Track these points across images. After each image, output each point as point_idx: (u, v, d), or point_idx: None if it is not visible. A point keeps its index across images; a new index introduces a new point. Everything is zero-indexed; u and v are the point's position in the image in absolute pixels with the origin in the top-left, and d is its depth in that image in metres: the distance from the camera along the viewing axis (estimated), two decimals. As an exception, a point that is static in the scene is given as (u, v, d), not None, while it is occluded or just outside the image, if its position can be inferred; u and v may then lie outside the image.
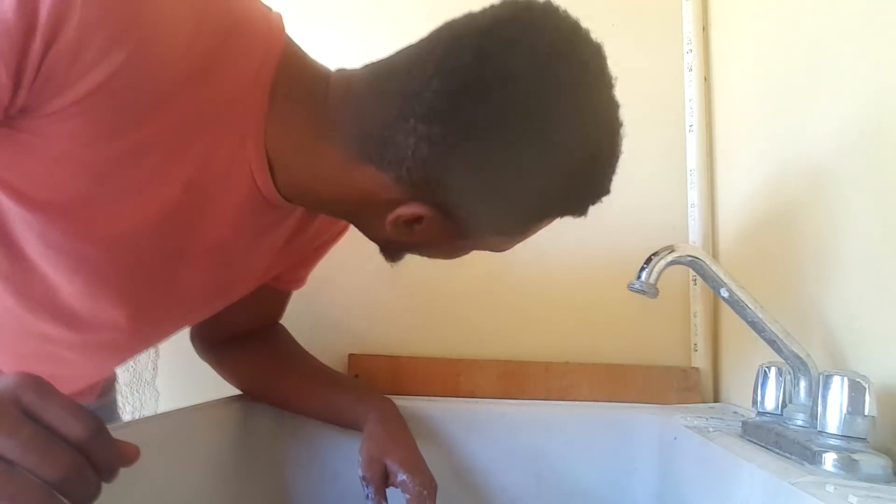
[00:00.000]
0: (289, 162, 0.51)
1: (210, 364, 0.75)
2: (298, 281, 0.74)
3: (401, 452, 0.65)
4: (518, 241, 0.57)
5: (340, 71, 0.52)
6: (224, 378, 0.75)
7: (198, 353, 0.76)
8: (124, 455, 0.35)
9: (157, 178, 0.46)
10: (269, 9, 0.51)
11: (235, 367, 0.75)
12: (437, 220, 0.51)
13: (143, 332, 0.59)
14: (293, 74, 0.50)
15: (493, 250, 0.57)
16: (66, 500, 0.32)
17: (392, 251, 0.58)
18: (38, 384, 0.32)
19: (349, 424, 0.71)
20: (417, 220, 0.51)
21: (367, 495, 0.63)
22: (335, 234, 0.71)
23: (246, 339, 0.74)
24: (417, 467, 0.64)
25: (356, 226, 0.57)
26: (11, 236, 0.47)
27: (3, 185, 0.43)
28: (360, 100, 0.49)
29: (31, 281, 0.50)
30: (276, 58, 0.48)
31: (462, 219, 0.51)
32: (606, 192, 0.53)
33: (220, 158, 0.48)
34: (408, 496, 0.61)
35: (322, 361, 0.77)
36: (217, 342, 0.74)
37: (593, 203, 0.53)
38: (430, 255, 0.59)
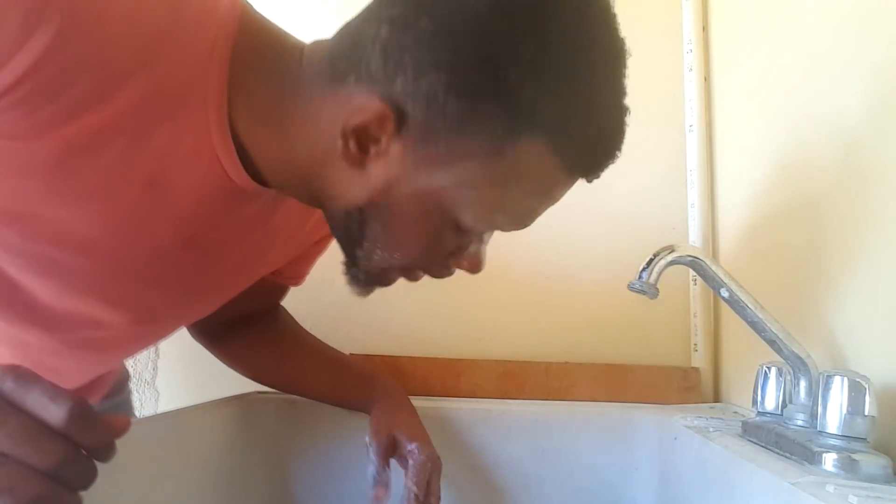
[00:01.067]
0: (259, 139, 0.46)
1: (208, 349, 0.74)
2: (297, 277, 0.72)
3: (411, 426, 0.65)
4: (497, 196, 0.46)
5: (316, 42, 0.48)
6: (225, 363, 0.75)
7: (193, 337, 0.74)
8: (115, 428, 0.34)
9: (113, 177, 0.42)
10: None
11: (237, 353, 0.74)
12: (392, 127, 0.43)
13: (131, 331, 0.57)
14: (255, 46, 0.45)
15: (472, 220, 0.47)
16: (63, 486, 0.32)
17: (358, 262, 0.51)
18: (17, 372, 0.32)
19: (356, 405, 0.71)
20: (372, 129, 0.44)
21: (371, 466, 0.62)
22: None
23: (246, 323, 0.73)
24: (426, 440, 0.64)
25: (325, 210, 0.51)
26: None
27: None
28: (334, 45, 0.46)
29: (2, 287, 0.47)
30: (233, 30, 0.44)
31: (423, 126, 0.43)
32: (608, 140, 0.46)
33: (183, 149, 0.44)
34: (412, 463, 0.60)
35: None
36: (214, 327, 0.73)
37: (587, 148, 0.46)
38: (399, 249, 0.49)
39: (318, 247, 0.71)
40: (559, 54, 0.42)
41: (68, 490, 0.32)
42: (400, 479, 0.61)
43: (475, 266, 0.53)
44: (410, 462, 0.61)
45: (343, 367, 0.75)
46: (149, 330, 0.60)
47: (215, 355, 0.75)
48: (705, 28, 0.89)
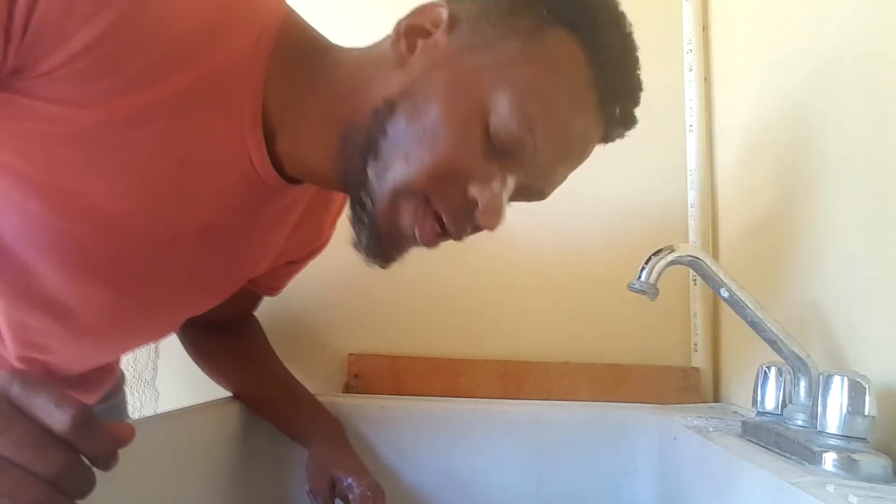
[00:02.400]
0: (293, 120, 0.49)
1: (183, 345, 0.76)
2: (275, 289, 0.73)
3: (345, 462, 0.66)
4: (531, 80, 0.45)
5: (349, 48, 0.52)
6: (194, 361, 0.76)
7: (180, 337, 0.76)
8: (119, 437, 0.35)
9: (151, 153, 0.44)
10: None
11: (206, 355, 0.76)
12: (445, 22, 0.47)
13: (131, 319, 0.56)
14: (296, 44, 0.49)
15: (506, 107, 0.45)
16: (62, 494, 0.32)
17: (369, 186, 0.47)
18: (25, 377, 0.32)
19: (298, 441, 0.73)
20: (426, 24, 0.48)
21: None
22: (315, 249, 0.71)
23: (219, 328, 0.74)
24: (362, 471, 0.65)
25: (347, 151, 0.48)
26: None
27: None
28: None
29: (6, 266, 0.48)
30: (276, 28, 0.47)
31: (475, 11, 0.47)
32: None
33: (217, 135, 0.46)
34: (352, 498, 0.61)
35: (321, 360, 0.77)
36: (191, 327, 0.73)
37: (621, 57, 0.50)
38: (421, 145, 0.45)
39: (303, 263, 0.72)
40: None
41: (67, 498, 0.32)
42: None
43: (495, 204, 0.46)
44: (350, 497, 0.62)
45: (292, 399, 0.75)
46: (149, 322, 0.60)
47: (187, 352, 0.76)
48: (705, 28, 0.89)
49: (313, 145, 0.50)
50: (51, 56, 0.38)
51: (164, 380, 0.93)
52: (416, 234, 0.48)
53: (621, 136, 0.53)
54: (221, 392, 0.75)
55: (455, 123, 0.45)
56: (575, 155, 0.50)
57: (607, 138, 0.53)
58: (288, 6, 0.50)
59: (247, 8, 0.46)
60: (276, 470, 0.76)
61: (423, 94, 0.46)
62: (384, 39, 0.50)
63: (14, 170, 0.43)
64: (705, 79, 0.89)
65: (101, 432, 0.33)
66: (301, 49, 0.49)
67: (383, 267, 0.51)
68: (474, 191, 0.46)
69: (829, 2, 0.59)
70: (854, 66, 0.55)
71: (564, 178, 0.52)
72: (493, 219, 0.47)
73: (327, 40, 0.52)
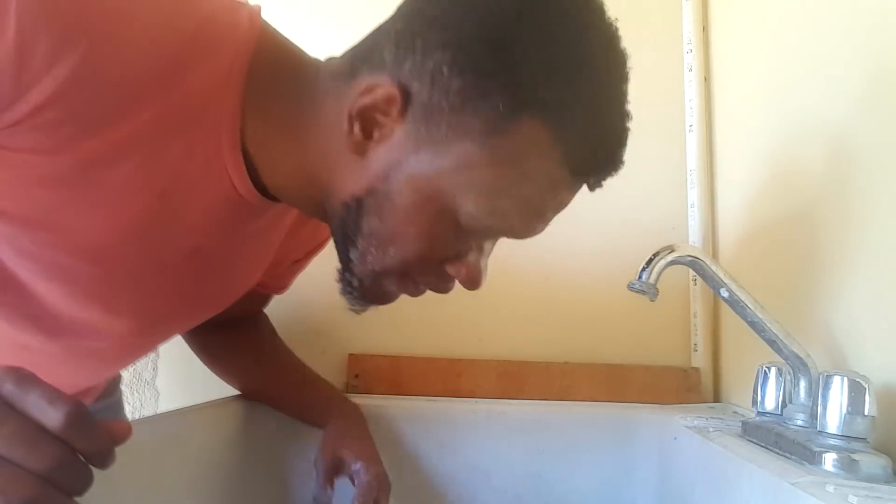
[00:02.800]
0: (272, 152, 0.48)
1: (191, 346, 0.75)
2: (282, 288, 0.74)
3: (357, 445, 0.65)
4: (497, 180, 0.45)
5: (333, 56, 0.50)
6: (204, 362, 0.76)
7: (186, 339, 0.76)
8: (115, 435, 0.34)
9: (129, 188, 0.44)
10: (244, 2, 0.48)
11: (215, 354, 0.75)
12: (398, 108, 0.44)
13: (132, 342, 0.58)
14: (272, 65, 0.47)
15: (473, 208, 0.45)
16: (57, 490, 0.32)
17: (352, 266, 0.50)
18: (18, 374, 0.32)
19: (314, 423, 0.72)
20: (378, 109, 0.45)
21: (314, 486, 0.63)
22: (318, 245, 0.71)
23: (228, 327, 0.73)
24: (372, 459, 0.64)
25: (327, 213, 0.51)
26: None
27: None
28: (354, 48, 0.49)
29: (7, 290, 0.48)
30: (249, 53, 0.46)
31: (427, 104, 0.44)
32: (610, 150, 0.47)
33: (195, 165, 0.46)
34: (357, 483, 0.60)
35: (321, 360, 0.77)
36: (199, 328, 0.72)
37: (591, 148, 0.46)
38: (394, 243, 0.47)
39: (306, 260, 0.72)
40: (562, 40, 0.43)
41: (63, 494, 0.32)
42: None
43: (472, 275, 0.50)
44: (356, 483, 0.61)
45: (307, 384, 0.75)
46: (148, 340, 0.61)
47: (196, 354, 0.76)
48: (705, 28, 0.89)
49: (290, 193, 0.51)
50: (12, 109, 0.37)
51: (164, 380, 0.93)
52: (407, 294, 0.53)
53: (602, 185, 0.50)
54: (221, 392, 0.75)
55: (421, 226, 0.46)
56: (553, 215, 0.50)
57: (590, 189, 0.50)
58: (263, 23, 0.48)
59: (217, 33, 0.45)
60: (276, 470, 0.76)
61: (387, 196, 0.46)
62: (345, 84, 0.47)
63: (1, 210, 0.43)
64: (705, 79, 0.89)
65: (96, 430, 0.33)
66: (276, 76, 0.48)
67: (358, 311, 0.54)
68: (451, 269, 0.50)
69: (829, 1, 0.59)
70: (854, 65, 0.55)
71: (545, 227, 0.51)
72: (472, 286, 0.51)
73: (299, 57, 0.50)
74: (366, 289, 0.51)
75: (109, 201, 0.44)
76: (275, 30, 0.50)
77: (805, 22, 0.64)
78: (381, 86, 0.44)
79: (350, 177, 0.47)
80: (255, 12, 0.48)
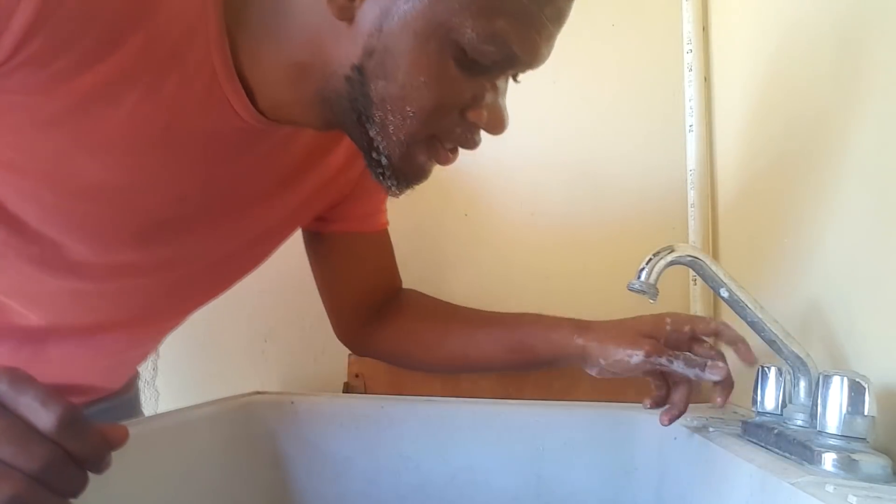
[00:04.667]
0: (263, 63, 0.48)
1: (363, 352, 0.74)
2: (365, 217, 0.70)
3: (651, 320, 0.62)
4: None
5: None
6: (389, 361, 0.74)
7: (358, 352, 0.75)
8: (111, 439, 0.34)
9: (134, 124, 0.45)
10: None
11: (393, 341, 0.72)
12: None
13: (170, 275, 0.58)
14: None
15: (473, 34, 0.43)
16: (46, 490, 0.32)
17: (377, 146, 0.48)
18: (13, 374, 0.32)
19: (551, 354, 0.65)
20: None
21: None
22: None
23: (382, 309, 0.71)
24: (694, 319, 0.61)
25: (334, 109, 0.49)
26: (7, 208, 0.47)
27: None
28: None
29: (42, 246, 0.49)
30: None
31: None
32: None
33: (194, 95, 0.46)
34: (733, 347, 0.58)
35: (321, 360, 0.77)
36: (355, 326, 0.72)
37: None
38: (408, 102, 0.46)
39: (368, 182, 0.67)
40: None
41: (53, 494, 0.32)
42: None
43: (495, 115, 0.49)
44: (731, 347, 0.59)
45: (512, 322, 0.68)
46: (188, 276, 0.60)
47: (375, 356, 0.74)
48: (705, 28, 0.89)
49: (290, 100, 0.50)
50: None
51: (164, 380, 0.93)
52: (436, 162, 0.51)
53: None
54: (221, 392, 0.75)
55: (429, 69, 0.45)
56: (555, 30, 0.47)
57: None
58: None
59: None
60: (276, 470, 0.76)
61: (387, 50, 0.45)
62: None
63: (16, 165, 0.44)
64: (705, 79, 0.89)
65: (88, 432, 0.33)
66: None
67: (399, 195, 0.52)
68: (472, 115, 0.49)
69: (829, 1, 0.59)
70: (855, 65, 0.55)
71: (553, 44, 0.49)
72: (497, 128, 0.50)
73: None
74: (396, 164, 0.49)
75: (115, 142, 0.45)
76: None
77: (805, 21, 0.64)
78: None
79: (343, 46, 0.46)
80: None
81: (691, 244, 0.87)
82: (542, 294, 0.89)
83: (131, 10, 0.42)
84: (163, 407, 0.92)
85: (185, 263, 0.58)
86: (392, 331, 0.73)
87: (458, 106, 0.48)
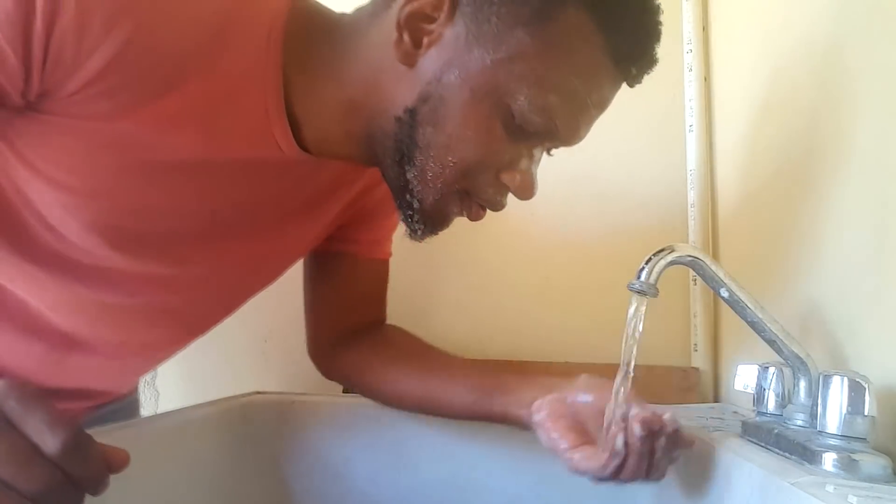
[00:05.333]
0: (318, 103, 0.50)
1: (341, 380, 0.74)
2: (372, 243, 0.71)
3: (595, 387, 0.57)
4: (547, 70, 0.46)
5: (359, 7, 0.53)
6: (352, 386, 0.73)
7: (323, 371, 0.74)
8: (112, 463, 0.35)
9: (183, 154, 0.47)
10: None
11: (358, 365, 0.71)
12: (447, 8, 0.46)
13: (200, 295, 0.60)
14: (306, 25, 0.50)
15: (525, 102, 0.46)
16: None
17: (412, 189, 0.50)
18: (22, 391, 0.32)
19: (496, 411, 0.61)
20: (426, 11, 0.47)
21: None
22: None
23: (359, 333, 0.71)
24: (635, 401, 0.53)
25: (377, 145, 0.51)
26: (46, 220, 0.48)
27: (37, 173, 0.45)
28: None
29: (76, 257, 0.51)
30: (284, 18, 0.49)
31: (475, 1, 0.46)
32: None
33: (243, 132, 0.49)
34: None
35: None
36: (331, 347, 0.72)
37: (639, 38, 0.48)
38: (451, 151, 0.48)
39: (382, 211, 0.68)
40: None
41: None
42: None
43: (527, 182, 0.51)
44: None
45: (479, 373, 0.65)
46: (217, 298, 0.63)
47: (338, 379, 0.74)
48: (705, 28, 0.89)
49: (338, 135, 0.52)
50: (73, 78, 0.41)
51: (164, 380, 0.93)
52: (466, 216, 0.53)
53: (641, 80, 0.52)
54: (221, 392, 0.75)
55: (478, 126, 0.47)
56: (596, 114, 0.51)
57: (629, 85, 0.52)
58: None
59: (254, 3, 0.48)
60: (276, 470, 0.76)
61: (441, 100, 0.47)
62: (385, 12, 0.49)
63: (64, 184, 0.46)
64: (705, 79, 0.89)
65: (92, 457, 0.33)
66: (312, 33, 0.50)
67: (423, 240, 0.54)
68: (506, 177, 0.50)
69: (829, 1, 0.59)
70: (855, 66, 0.55)
71: (590, 128, 0.52)
72: (525, 193, 0.52)
73: (333, 14, 0.53)
74: (427, 210, 0.51)
75: (164, 166, 0.48)
76: None
77: (805, 21, 0.64)
78: None
79: (401, 88, 0.48)
80: None
81: (691, 244, 0.87)
82: (543, 293, 0.89)
83: (199, 52, 0.45)
84: (163, 407, 0.92)
85: (210, 280, 0.60)
86: (359, 358, 0.71)
87: (496, 166, 0.50)
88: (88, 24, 0.40)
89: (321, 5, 0.53)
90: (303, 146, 0.52)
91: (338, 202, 0.64)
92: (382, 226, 0.72)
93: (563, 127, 0.49)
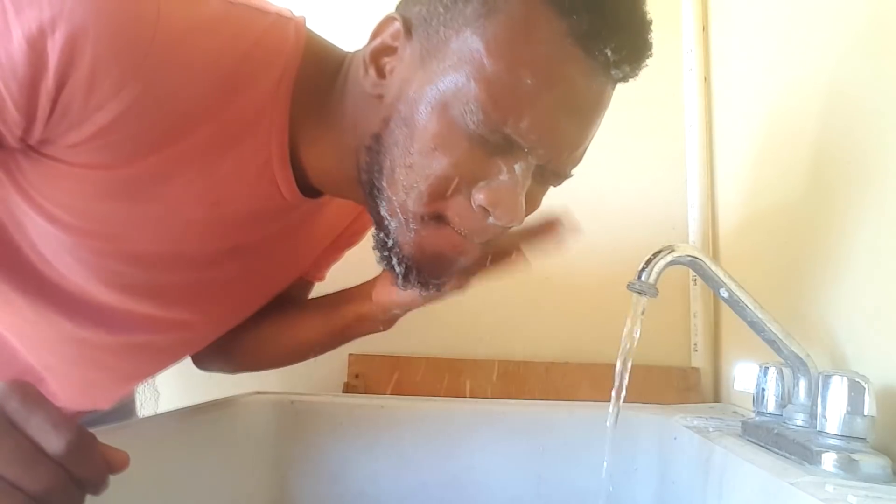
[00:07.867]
0: (319, 148, 0.50)
1: (220, 367, 0.72)
2: (319, 270, 0.71)
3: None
4: (503, 72, 0.41)
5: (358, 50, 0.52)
6: (238, 370, 0.72)
7: (200, 366, 0.72)
8: (112, 464, 0.35)
9: (185, 199, 0.47)
10: (291, 16, 0.49)
11: (243, 350, 0.69)
12: (402, 33, 0.45)
13: (182, 335, 0.59)
14: (315, 73, 0.50)
15: (486, 110, 0.41)
16: None
17: (384, 221, 0.47)
18: (24, 392, 0.32)
19: (348, 324, 0.63)
20: (387, 42, 0.46)
21: None
22: (351, 233, 0.69)
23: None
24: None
25: (364, 183, 0.48)
26: (41, 253, 0.48)
27: (37, 208, 0.45)
28: None
29: (67, 291, 0.50)
30: (295, 66, 0.48)
31: (425, 18, 0.44)
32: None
33: (247, 176, 0.48)
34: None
35: (321, 360, 0.76)
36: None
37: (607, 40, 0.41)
38: (420, 171, 0.43)
39: (337, 249, 0.70)
40: None
41: None
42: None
43: (506, 199, 0.43)
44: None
45: (326, 299, 0.66)
46: (199, 335, 0.62)
47: (230, 368, 0.72)
48: (705, 28, 0.89)
49: (338, 178, 0.52)
50: (77, 130, 0.40)
51: (164, 380, 0.93)
52: (454, 253, 0.47)
53: (633, 74, 0.47)
54: (221, 392, 0.75)
55: (441, 139, 0.43)
56: (579, 117, 0.44)
57: (621, 80, 0.46)
58: (308, 33, 0.50)
59: (268, 50, 0.46)
60: (275, 470, 0.76)
61: (403, 120, 0.44)
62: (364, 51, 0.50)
63: (63, 222, 0.46)
64: (705, 79, 0.89)
65: (94, 457, 0.34)
66: (320, 77, 0.50)
67: (440, 289, 0.50)
68: (479, 196, 0.44)
69: (829, 1, 0.59)
70: (855, 65, 0.55)
71: (582, 142, 0.46)
72: (508, 215, 0.44)
73: (340, 54, 0.52)
74: (402, 248, 0.46)
75: (166, 213, 0.47)
76: (317, 37, 0.51)
77: (805, 21, 0.64)
78: (389, 25, 0.47)
79: (371, 118, 0.47)
80: (300, 24, 0.49)
81: (691, 244, 0.87)
82: (543, 294, 0.89)
83: (208, 102, 0.44)
84: (163, 407, 0.91)
85: (196, 322, 0.59)
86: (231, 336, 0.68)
87: (467, 182, 0.44)
88: (100, 81, 0.39)
89: (333, 46, 0.53)
90: (307, 188, 0.52)
91: (329, 236, 0.65)
92: (334, 254, 0.71)
93: (532, 132, 0.42)
